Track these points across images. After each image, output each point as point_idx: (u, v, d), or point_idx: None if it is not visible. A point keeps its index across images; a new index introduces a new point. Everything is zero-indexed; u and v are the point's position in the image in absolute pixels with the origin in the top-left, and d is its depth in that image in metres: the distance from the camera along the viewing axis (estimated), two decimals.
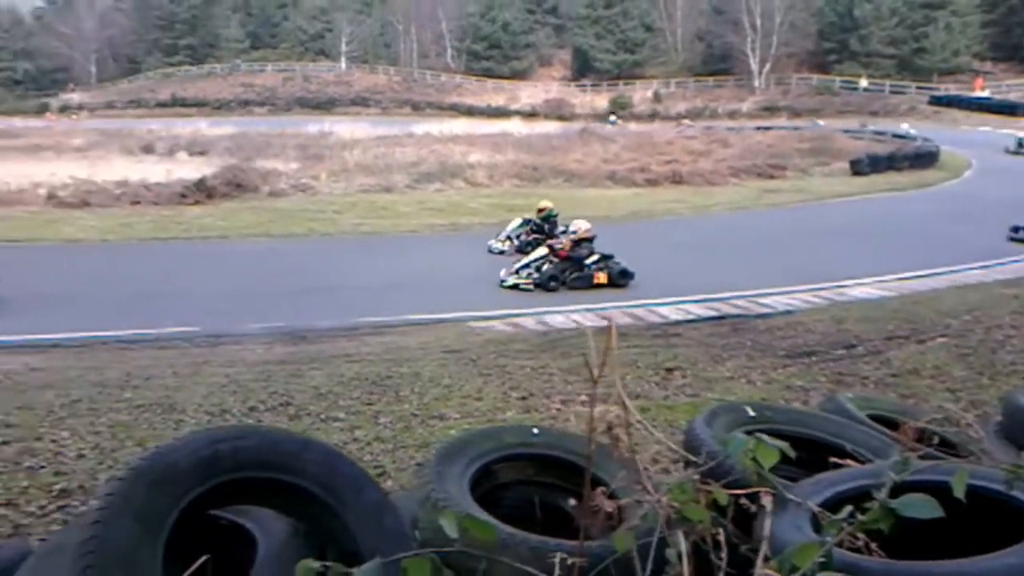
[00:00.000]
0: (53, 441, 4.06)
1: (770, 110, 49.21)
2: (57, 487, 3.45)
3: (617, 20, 66.16)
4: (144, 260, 11.99)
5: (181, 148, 27.76)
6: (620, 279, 10.30)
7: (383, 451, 4.05)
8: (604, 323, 7.92)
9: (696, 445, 1.88)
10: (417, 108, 60.75)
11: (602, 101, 57.09)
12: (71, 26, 71.24)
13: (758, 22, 54.31)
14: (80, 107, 60.73)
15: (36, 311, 8.40)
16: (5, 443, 4.02)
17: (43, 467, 3.70)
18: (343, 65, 70.99)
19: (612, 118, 45.92)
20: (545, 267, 10.42)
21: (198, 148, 27.67)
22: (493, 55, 71.75)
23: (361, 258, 12.14)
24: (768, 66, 55.03)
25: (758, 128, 35.44)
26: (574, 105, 57.47)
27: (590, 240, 10.78)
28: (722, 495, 1.29)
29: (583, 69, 67.64)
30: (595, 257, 10.51)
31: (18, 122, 47.85)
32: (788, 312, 8.48)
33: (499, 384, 5.46)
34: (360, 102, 62.79)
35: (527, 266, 10.49)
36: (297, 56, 72.94)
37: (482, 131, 34.93)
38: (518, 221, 12.98)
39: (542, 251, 10.74)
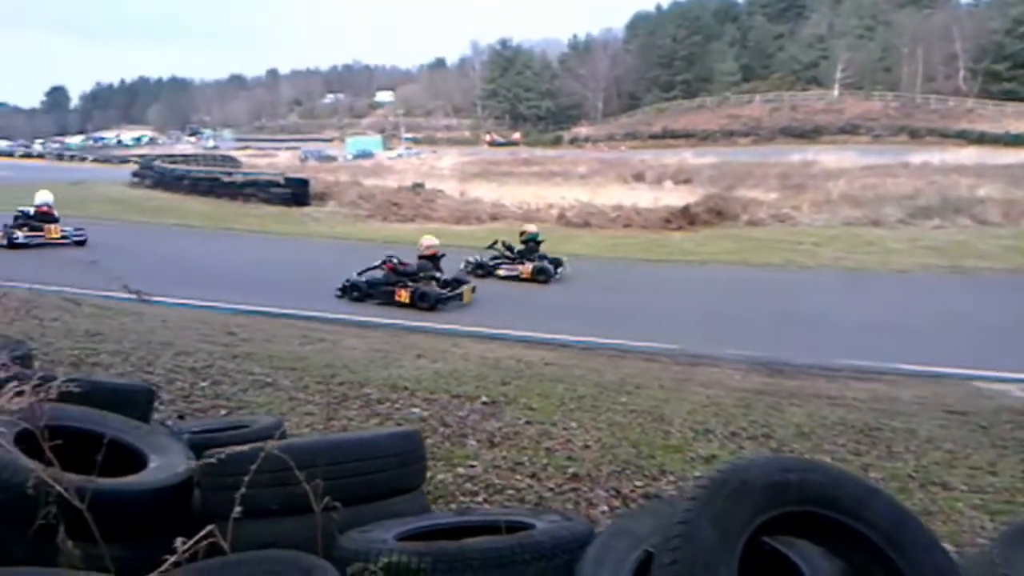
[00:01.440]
0: (565, 429, 4.67)
1: None
2: (569, 470, 3.95)
3: None
4: (632, 278, 13.15)
5: (667, 177, 29.71)
6: (420, 301, 10.04)
7: None
8: None
9: None
10: (915, 135, 54.86)
11: None
12: (587, 68, 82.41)
13: None
14: (586, 139, 69.65)
15: (548, 316, 9.88)
16: (529, 423, 4.78)
17: (557, 450, 4.29)
18: (835, 92, 67.97)
19: None
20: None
21: (683, 177, 29.31)
22: (1018, 75, 61.25)
23: (842, 295, 11.42)
24: None
25: None
26: None
27: (435, 258, 11.17)
28: None
29: None
30: (421, 274, 10.45)
31: (538, 151, 57.11)
32: None
33: (1018, 460, 4.59)
34: (849, 130, 59.31)
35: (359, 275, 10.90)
36: (787, 86, 72.24)
37: (997, 161, 29.92)
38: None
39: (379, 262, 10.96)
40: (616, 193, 23.91)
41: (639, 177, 31.27)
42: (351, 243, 17.09)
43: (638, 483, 3.86)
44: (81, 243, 14.41)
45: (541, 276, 12.33)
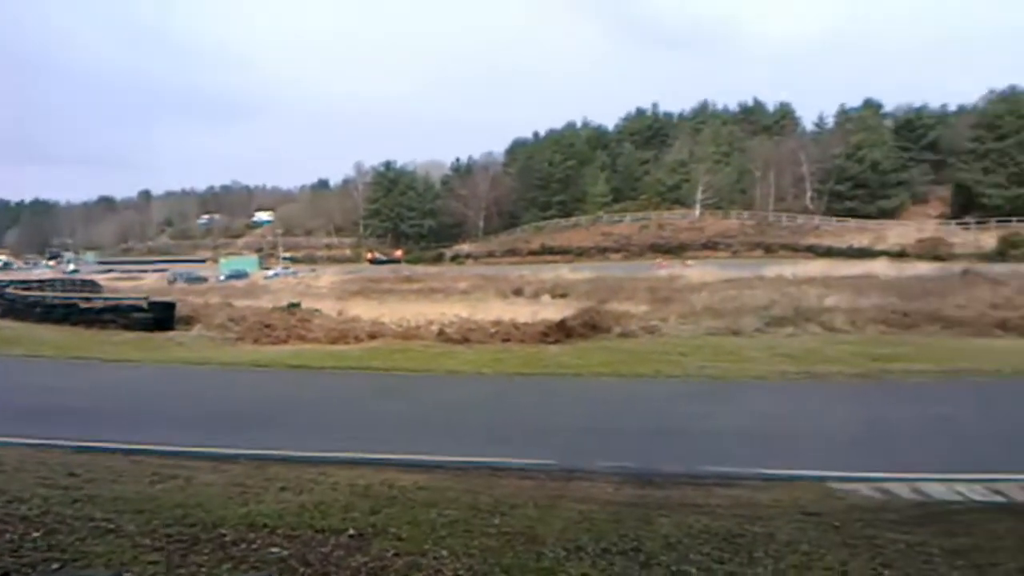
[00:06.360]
0: (435, 558, 4.52)
1: None
2: None
3: (1011, 152, 59.63)
4: (510, 393, 13.21)
5: (545, 291, 30.68)
6: None
7: None
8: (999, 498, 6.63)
9: None
10: (770, 250, 59.83)
11: (989, 239, 50.54)
12: (469, 189, 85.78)
13: None
14: (468, 256, 71.38)
15: (427, 435, 9.71)
16: (397, 555, 4.58)
17: None
18: (697, 212, 73.62)
19: None
20: None
21: (560, 291, 30.31)
22: (858, 195, 69.66)
23: (706, 402, 11.87)
24: None
25: None
26: (952, 244, 51.62)
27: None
28: None
29: (966, 206, 61.65)
30: None
31: (419, 268, 57.77)
32: None
33: (868, 559, 4.82)
34: (710, 246, 63.95)
35: None
36: (654, 206, 77.75)
37: (841, 273, 32.94)
38: None
39: None
40: (496, 308, 24.32)
41: (518, 292, 32.10)
42: (211, 368, 16.31)
43: None
44: None
45: None
